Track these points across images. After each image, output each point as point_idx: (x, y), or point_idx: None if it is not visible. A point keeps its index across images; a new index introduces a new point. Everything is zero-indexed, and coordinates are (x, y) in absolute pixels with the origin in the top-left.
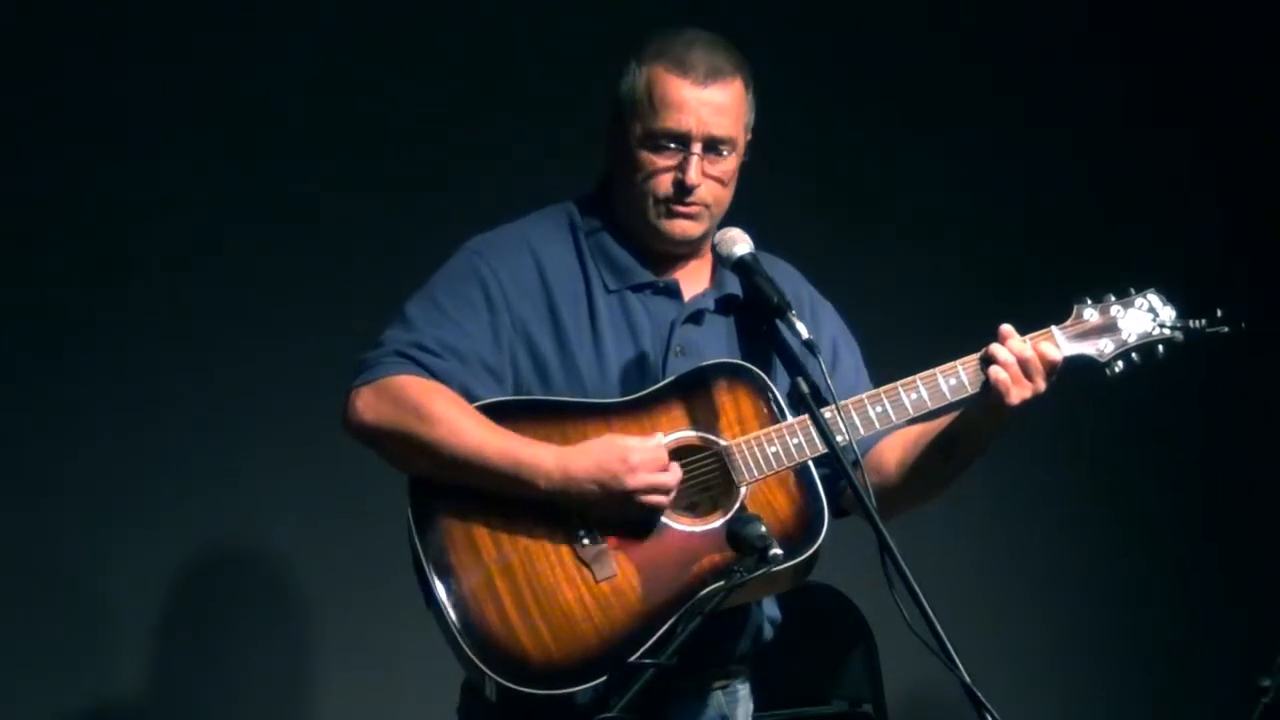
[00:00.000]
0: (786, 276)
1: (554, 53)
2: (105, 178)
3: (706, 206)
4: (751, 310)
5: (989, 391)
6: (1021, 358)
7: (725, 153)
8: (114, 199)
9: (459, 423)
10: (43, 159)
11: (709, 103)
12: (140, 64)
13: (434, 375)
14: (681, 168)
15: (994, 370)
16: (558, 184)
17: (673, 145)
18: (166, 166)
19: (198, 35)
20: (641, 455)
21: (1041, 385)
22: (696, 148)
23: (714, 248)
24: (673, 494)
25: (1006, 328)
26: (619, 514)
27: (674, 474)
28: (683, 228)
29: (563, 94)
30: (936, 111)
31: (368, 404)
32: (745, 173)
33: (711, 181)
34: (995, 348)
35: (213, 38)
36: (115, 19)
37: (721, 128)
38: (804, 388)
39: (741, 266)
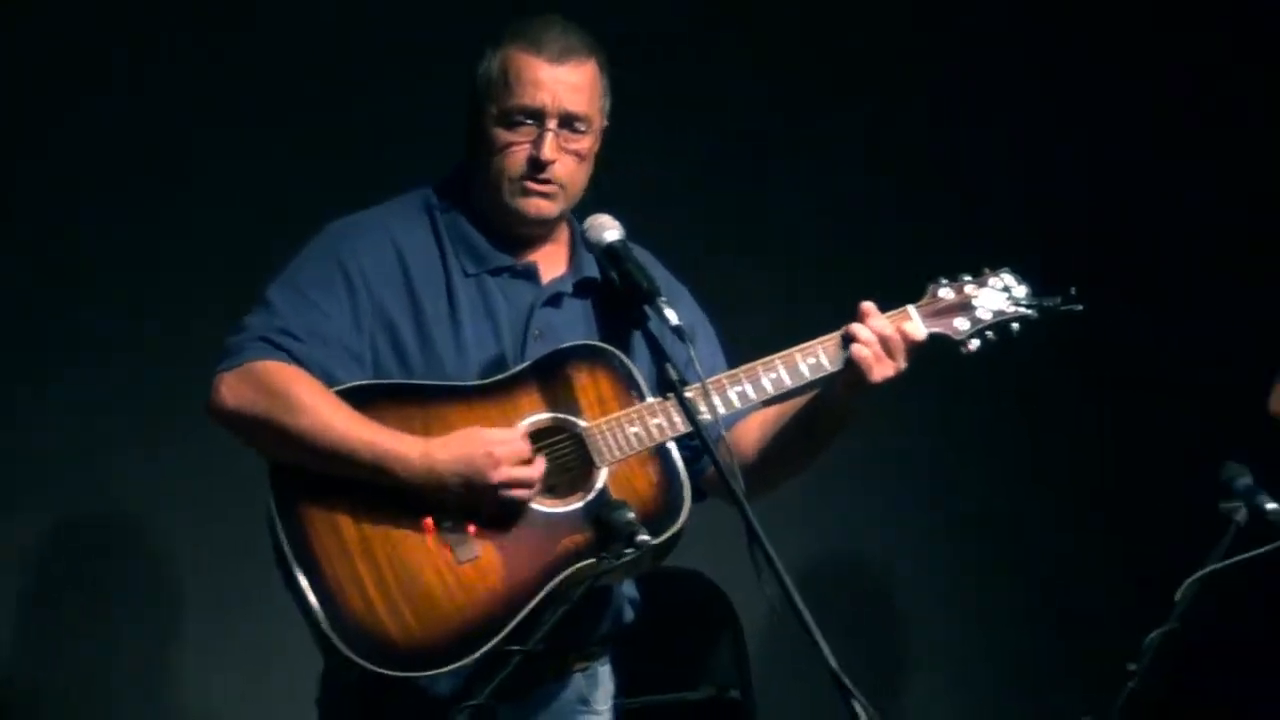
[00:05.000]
0: (647, 262)
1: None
2: None
3: (562, 185)
4: (611, 294)
5: (851, 369)
6: (882, 335)
7: (581, 129)
8: None
9: (323, 411)
10: None
11: (563, 80)
12: None
13: (297, 360)
14: (536, 144)
15: (856, 348)
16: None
17: (528, 122)
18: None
19: None
20: (505, 449)
21: (903, 364)
22: (551, 124)
23: (581, 233)
24: (535, 488)
25: (868, 305)
26: (481, 506)
27: (537, 467)
28: (537, 206)
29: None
30: (798, 98)
31: (232, 390)
32: (610, 158)
33: (567, 158)
34: (856, 326)
35: None
36: None
37: (576, 104)
38: (670, 371)
39: (612, 253)
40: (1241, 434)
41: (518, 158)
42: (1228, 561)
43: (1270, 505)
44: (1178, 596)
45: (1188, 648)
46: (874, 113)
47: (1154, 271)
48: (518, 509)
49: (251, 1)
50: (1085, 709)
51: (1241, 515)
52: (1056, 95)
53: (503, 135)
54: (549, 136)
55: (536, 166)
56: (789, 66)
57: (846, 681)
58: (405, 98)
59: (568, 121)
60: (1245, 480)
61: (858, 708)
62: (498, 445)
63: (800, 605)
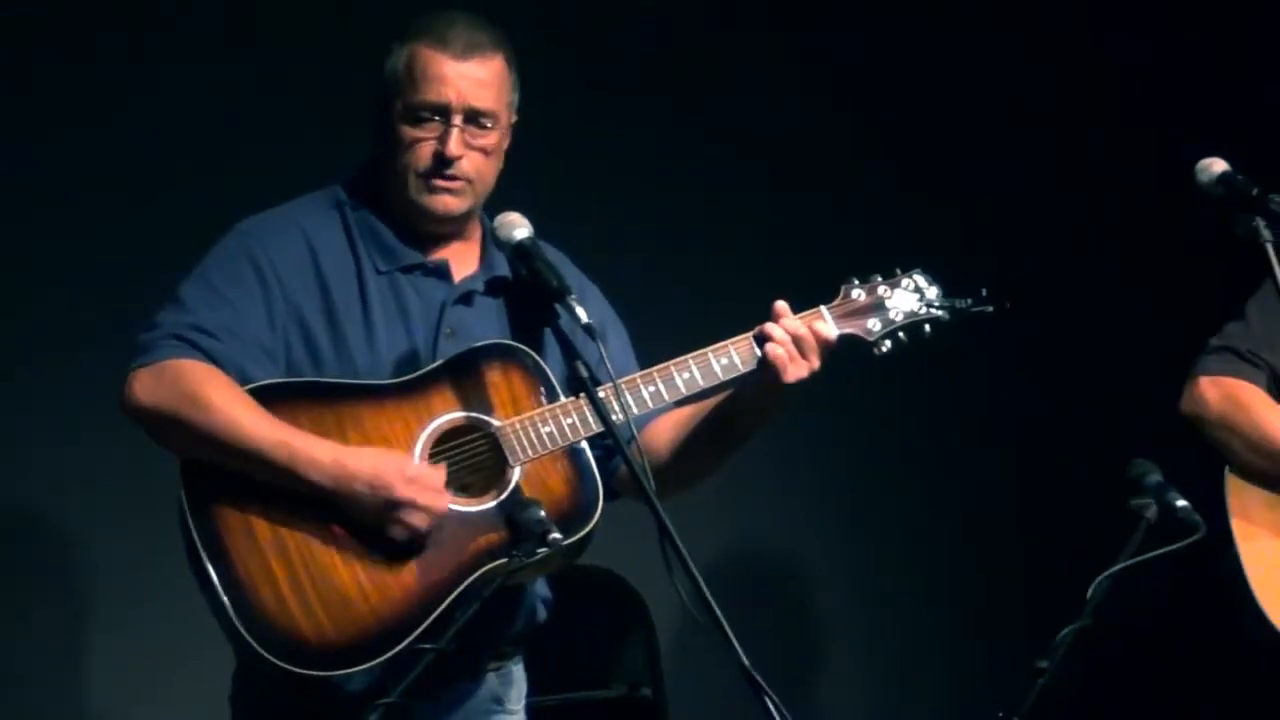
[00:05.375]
0: (557, 260)
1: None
2: None
3: (469, 181)
4: (523, 292)
5: (765, 369)
6: (796, 335)
7: (487, 125)
8: None
9: (235, 411)
10: None
11: (469, 76)
12: None
13: (211, 358)
14: (442, 140)
15: (770, 348)
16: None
17: (434, 118)
18: None
19: None
20: (418, 471)
21: (816, 363)
22: (457, 119)
23: (491, 231)
24: (434, 519)
25: (781, 305)
26: (380, 523)
27: (443, 499)
28: (444, 203)
29: None
30: (715, 97)
31: (145, 387)
32: (520, 157)
33: (474, 154)
34: (770, 326)
35: None
36: None
37: (482, 100)
38: (581, 369)
39: (521, 251)
40: (1152, 432)
41: (424, 154)
42: (1138, 558)
43: (1180, 502)
44: (1089, 593)
45: (1099, 645)
46: (783, 113)
47: (1065, 271)
48: (417, 533)
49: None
50: (997, 706)
51: (1152, 512)
52: (966, 96)
53: (409, 131)
54: (455, 132)
55: (442, 162)
56: (707, 65)
57: (758, 678)
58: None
59: (473, 117)
60: (1155, 477)
61: (769, 704)
62: (412, 466)
63: (712, 602)
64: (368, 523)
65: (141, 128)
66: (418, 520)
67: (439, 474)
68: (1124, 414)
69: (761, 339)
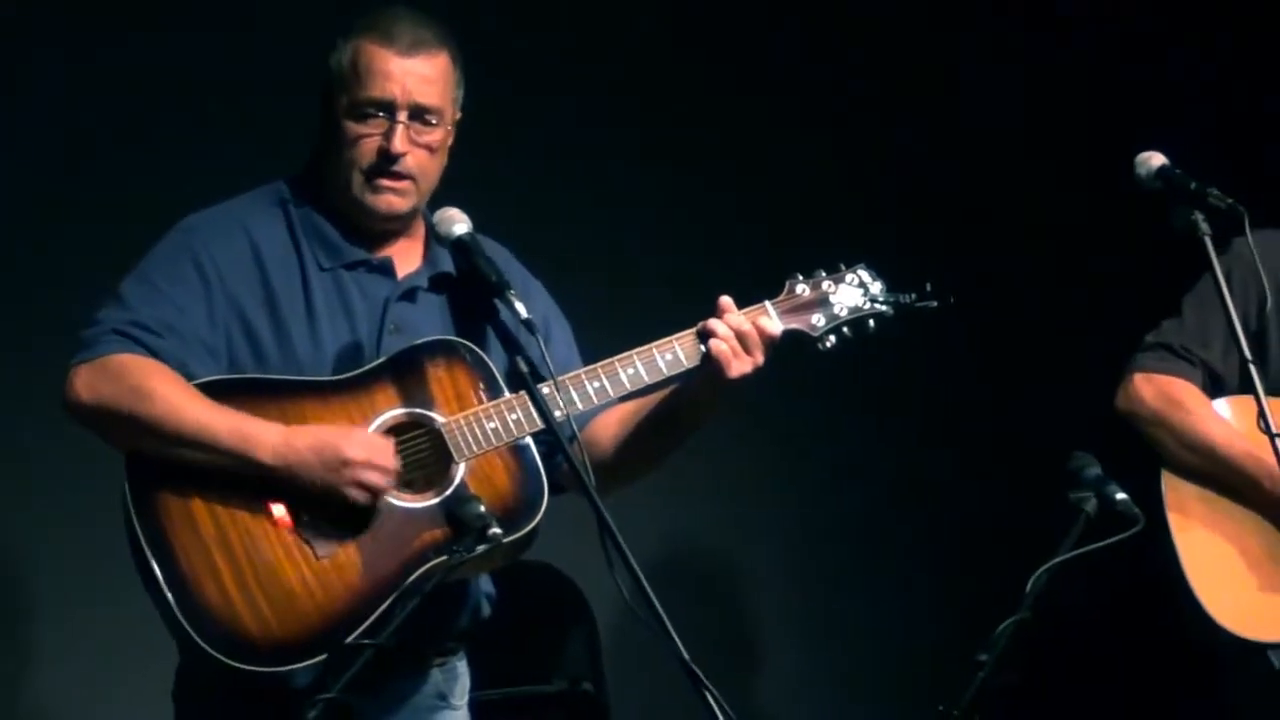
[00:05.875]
0: (499, 256)
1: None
2: None
3: (414, 179)
4: (466, 288)
5: (709, 365)
6: (740, 331)
7: (432, 122)
8: None
9: (180, 399)
10: None
11: (414, 72)
12: None
13: (153, 353)
14: (387, 136)
15: (714, 343)
16: None
17: (379, 114)
18: None
19: None
20: (367, 436)
21: (760, 359)
22: (402, 116)
23: (433, 227)
24: (390, 478)
25: (725, 300)
26: (336, 490)
27: (394, 459)
28: (389, 201)
29: None
30: (655, 95)
31: (87, 383)
32: (464, 152)
33: (419, 151)
34: (713, 322)
35: None
36: None
37: (427, 96)
38: (522, 365)
39: (460, 246)
40: (1091, 427)
41: (368, 150)
42: (1078, 551)
43: (1120, 495)
44: (1028, 586)
45: (1038, 637)
46: (729, 110)
47: (1005, 267)
48: (375, 504)
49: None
50: (937, 699)
51: (1091, 505)
52: (908, 94)
53: (353, 128)
54: (399, 129)
55: (387, 159)
56: (651, 63)
57: (698, 672)
58: None
59: (418, 114)
60: (1094, 470)
61: (710, 699)
62: (356, 431)
63: (652, 598)
64: (322, 494)
65: (76, 126)
66: (373, 478)
67: (385, 440)
68: (1063, 407)
69: (705, 334)
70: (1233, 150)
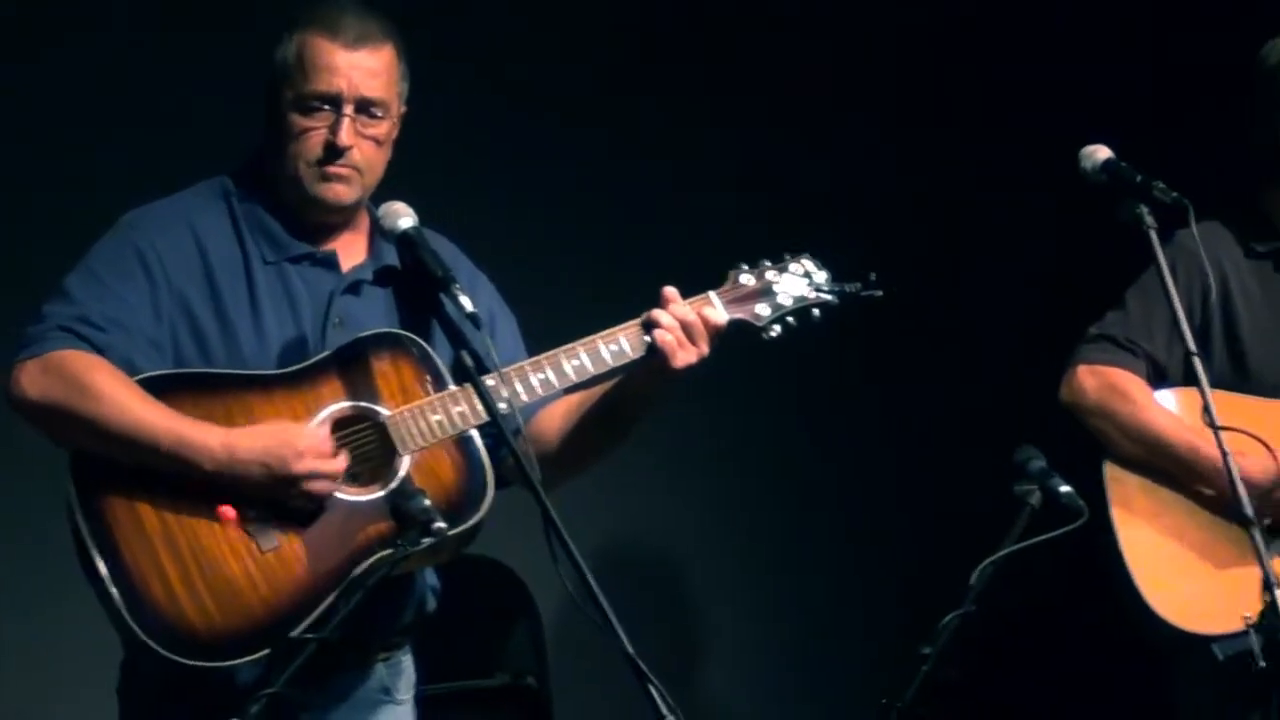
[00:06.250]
0: (445, 249)
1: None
2: None
3: (359, 171)
4: (411, 282)
5: (654, 355)
6: (685, 321)
7: (378, 115)
8: None
9: (125, 399)
10: None
11: (359, 65)
12: None
13: (98, 349)
14: (333, 129)
15: (659, 334)
16: None
17: (325, 107)
18: None
19: None
20: (308, 441)
21: (705, 349)
22: (348, 109)
23: (378, 220)
24: (337, 481)
25: (670, 290)
26: (282, 498)
27: (339, 461)
28: (335, 192)
29: None
30: (603, 83)
31: (32, 379)
32: (414, 146)
33: (365, 143)
34: (658, 312)
35: None
36: None
37: (373, 89)
38: (467, 358)
39: (406, 240)
40: (1036, 418)
41: (314, 143)
42: (1022, 544)
43: (1064, 488)
44: (973, 579)
45: (983, 630)
46: (672, 103)
47: (949, 259)
48: (320, 498)
49: None
50: (880, 692)
51: (1035, 498)
52: (854, 87)
53: (299, 121)
54: (345, 121)
55: (333, 152)
56: (595, 57)
57: (642, 666)
58: None
59: (364, 106)
60: (1039, 463)
61: (653, 692)
62: (302, 438)
63: (596, 591)
64: (264, 501)
65: (14, 124)
66: (318, 487)
67: (324, 435)
68: (1007, 400)
69: (650, 325)
70: (1177, 144)
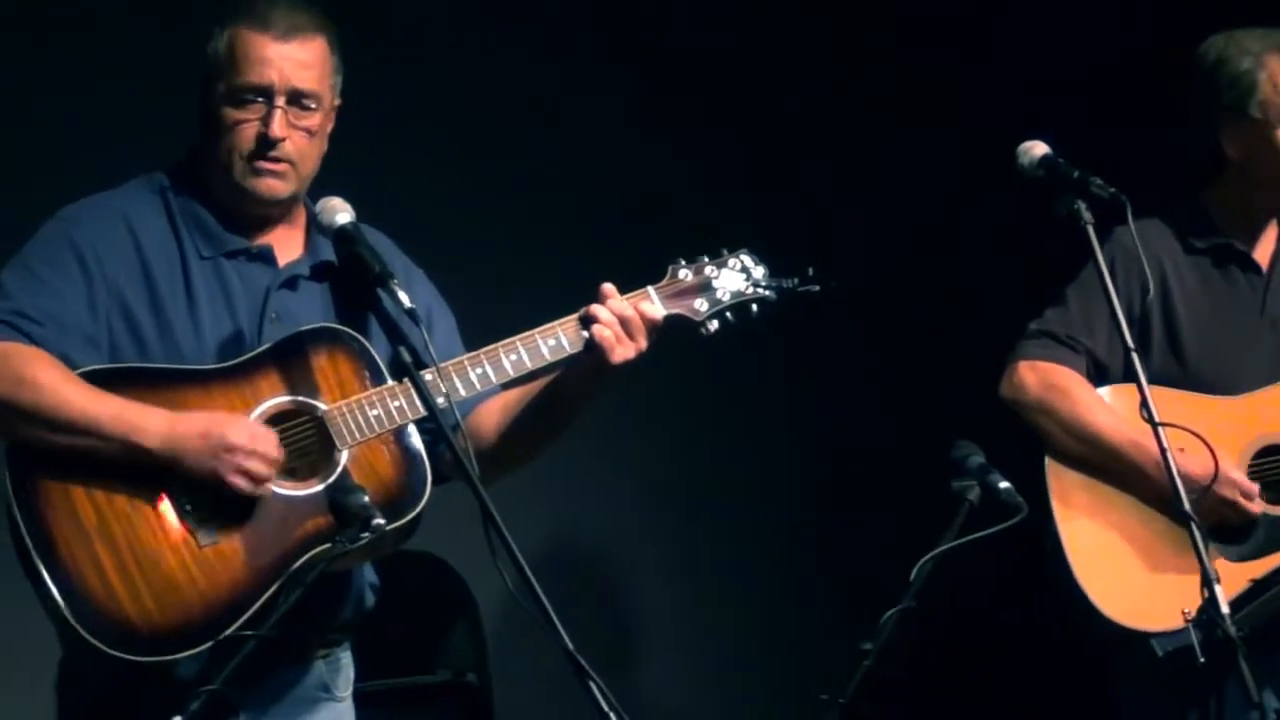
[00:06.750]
0: (381, 245)
1: None
2: None
3: (292, 163)
4: (348, 277)
5: (592, 350)
6: (623, 316)
7: (310, 106)
8: None
9: (64, 388)
10: None
11: (291, 57)
12: None
13: (34, 342)
14: (265, 121)
15: (597, 329)
16: None
17: (257, 100)
18: None
19: None
20: (252, 426)
21: (643, 344)
22: (280, 101)
23: (315, 216)
24: (275, 463)
25: (608, 286)
26: (219, 476)
27: (277, 448)
28: (269, 185)
29: None
30: (529, 80)
31: None
32: (351, 141)
33: (298, 135)
34: (596, 308)
35: None
36: None
37: (305, 81)
38: (404, 353)
39: (343, 235)
40: (975, 414)
41: (247, 136)
42: (961, 540)
43: (1003, 484)
44: (913, 575)
45: (924, 626)
46: (611, 98)
47: (888, 254)
48: (258, 492)
49: None
50: (821, 688)
51: (974, 494)
52: (792, 82)
53: (231, 114)
54: (278, 114)
55: (266, 144)
56: (531, 50)
57: (582, 662)
58: None
59: (296, 98)
60: (978, 459)
61: (593, 688)
62: (241, 419)
63: (536, 587)
64: (205, 481)
65: None
66: (256, 465)
67: (270, 430)
68: (947, 397)
69: (588, 320)
70: (1115, 140)
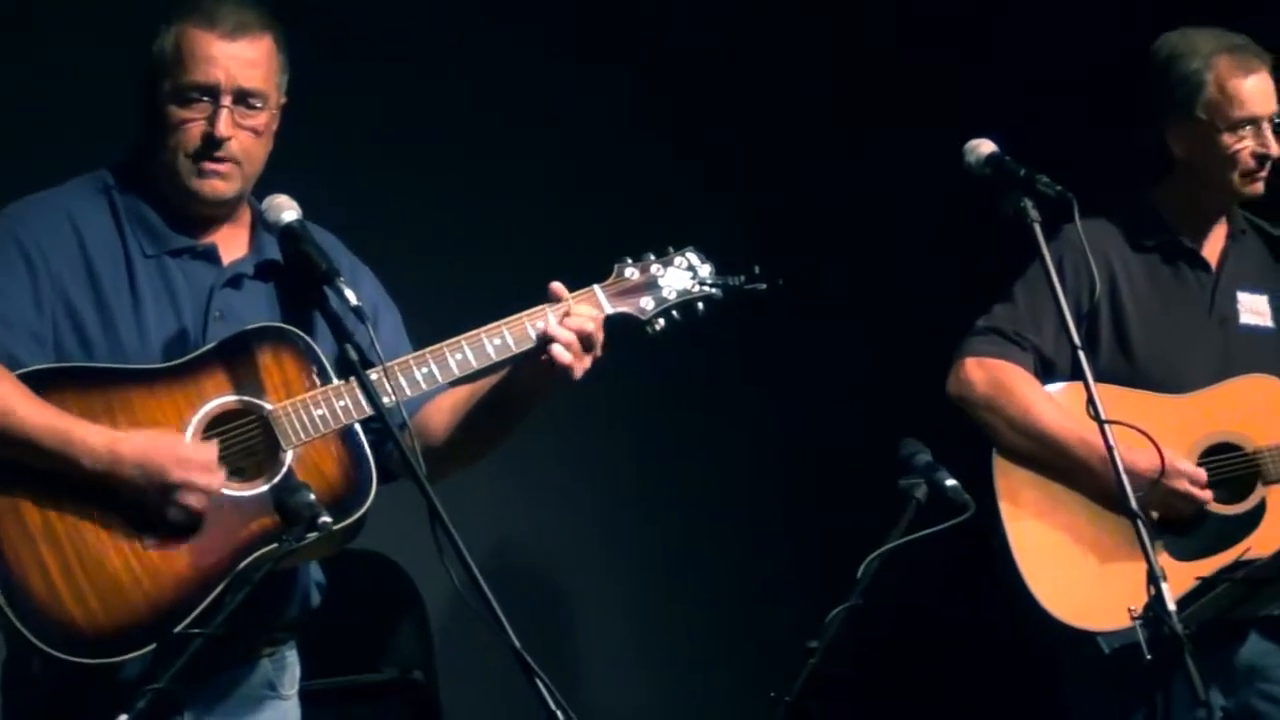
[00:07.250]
0: (326, 242)
1: None
2: None
3: (238, 163)
4: (293, 275)
5: (552, 369)
6: (581, 333)
7: (257, 105)
8: None
9: (8, 397)
10: None
11: (237, 56)
12: None
13: None
14: (211, 120)
15: (557, 350)
16: None
17: (203, 98)
18: None
19: None
20: (190, 452)
21: (599, 352)
22: (226, 100)
23: (261, 214)
24: (212, 490)
25: (557, 286)
26: (156, 505)
27: (217, 477)
28: (214, 186)
29: None
30: (484, 75)
31: None
32: (298, 139)
33: (244, 134)
34: (554, 328)
35: None
36: None
37: (251, 80)
38: (351, 352)
39: (289, 233)
40: (921, 414)
41: (192, 134)
42: (908, 538)
43: (950, 482)
44: (859, 573)
45: (870, 624)
46: (560, 96)
47: (836, 251)
48: (195, 512)
49: None
50: (769, 686)
51: (921, 492)
52: (743, 81)
53: (177, 112)
54: (224, 113)
55: (211, 143)
56: (487, 47)
57: (529, 660)
58: None
59: (242, 97)
60: (924, 457)
61: (541, 686)
62: (185, 447)
63: (483, 585)
64: (143, 505)
65: None
66: (193, 500)
67: (210, 451)
68: (893, 394)
69: (546, 340)
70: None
